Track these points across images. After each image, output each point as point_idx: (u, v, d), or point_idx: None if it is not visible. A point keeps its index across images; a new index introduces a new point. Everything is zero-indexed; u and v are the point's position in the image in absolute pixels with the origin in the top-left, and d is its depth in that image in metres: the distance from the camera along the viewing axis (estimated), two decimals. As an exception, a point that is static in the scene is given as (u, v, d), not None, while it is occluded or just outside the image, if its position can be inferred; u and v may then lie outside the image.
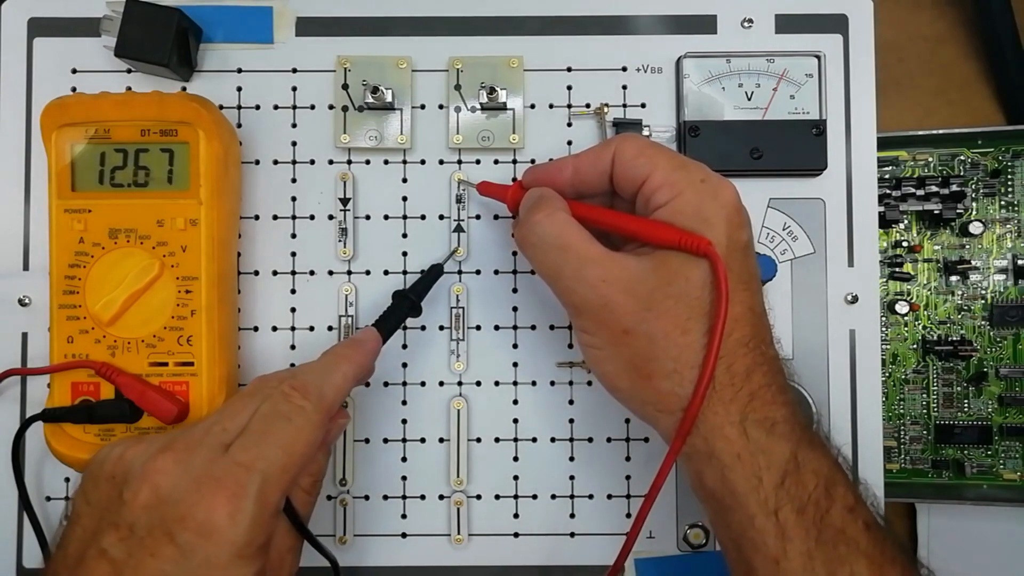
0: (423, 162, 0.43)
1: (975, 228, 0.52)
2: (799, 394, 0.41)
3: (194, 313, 0.38)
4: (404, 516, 0.42)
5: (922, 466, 0.54)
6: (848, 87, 0.43)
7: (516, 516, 0.42)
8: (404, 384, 0.43)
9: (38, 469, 0.42)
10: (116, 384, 0.38)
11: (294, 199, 0.43)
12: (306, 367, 0.35)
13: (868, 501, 0.33)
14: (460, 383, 0.43)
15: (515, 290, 0.43)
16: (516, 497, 0.42)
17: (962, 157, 0.54)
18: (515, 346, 0.43)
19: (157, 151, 0.38)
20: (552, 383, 0.43)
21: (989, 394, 0.53)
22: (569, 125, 0.43)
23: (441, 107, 0.43)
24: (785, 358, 0.39)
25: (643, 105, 0.43)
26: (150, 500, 0.29)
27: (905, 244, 0.53)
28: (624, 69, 0.43)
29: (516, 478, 0.43)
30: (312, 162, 0.43)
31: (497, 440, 0.43)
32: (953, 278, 0.53)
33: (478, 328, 0.43)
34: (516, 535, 0.42)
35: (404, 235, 0.43)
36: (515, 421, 0.43)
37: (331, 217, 0.43)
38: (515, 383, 0.43)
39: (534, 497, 0.42)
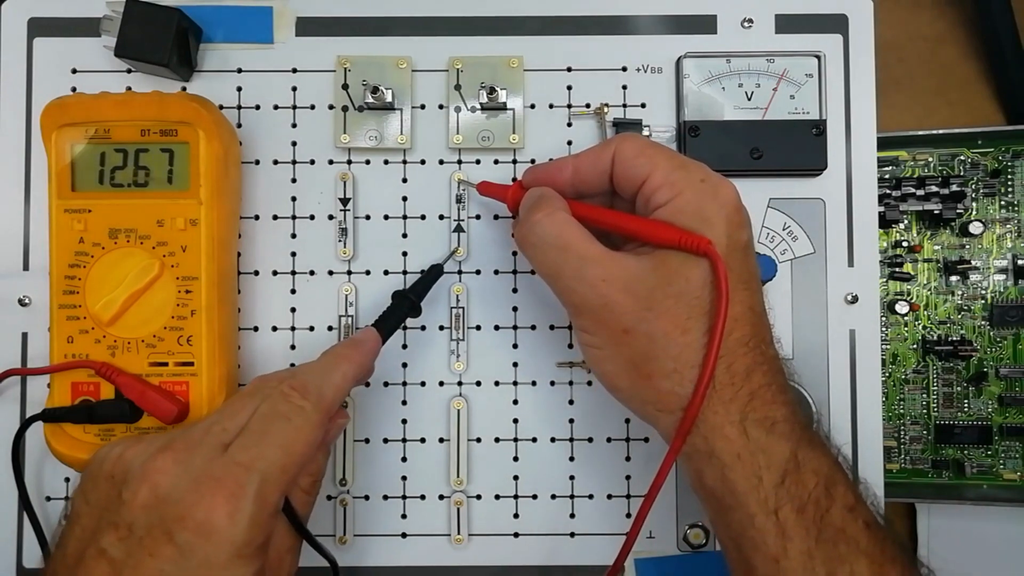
0: (423, 162, 0.43)
1: (975, 228, 0.52)
2: (799, 394, 0.41)
3: (194, 313, 0.38)
4: (404, 516, 0.42)
5: (922, 466, 0.53)
6: (848, 87, 0.43)
7: (516, 516, 0.42)
8: (404, 384, 0.43)
9: (38, 469, 0.42)
10: (116, 384, 0.38)
11: (294, 199, 0.43)
12: (306, 367, 0.35)
13: (868, 500, 0.33)
14: (460, 383, 0.43)
15: (515, 290, 0.43)
16: (516, 497, 0.42)
17: (962, 157, 0.54)
18: (515, 346, 0.43)
19: (157, 151, 0.38)
20: (552, 383, 0.43)
21: (989, 394, 0.53)
22: (569, 125, 0.43)
23: (441, 107, 0.43)
24: (785, 358, 0.39)
25: (643, 105, 0.43)
26: (149, 500, 0.29)
27: (905, 244, 0.53)
28: (624, 69, 0.43)
29: (516, 478, 0.43)
30: (312, 162, 0.43)
31: (497, 440, 0.43)
32: (953, 278, 0.53)
33: (478, 328, 0.43)
34: (516, 535, 0.42)
35: (404, 235, 0.43)
36: (515, 421, 0.43)
37: (331, 217, 0.43)
38: (515, 383, 0.43)
39: (534, 497, 0.42)
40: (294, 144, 0.43)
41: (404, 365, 0.43)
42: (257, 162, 0.43)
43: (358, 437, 0.42)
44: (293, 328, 0.43)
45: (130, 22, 0.40)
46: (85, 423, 0.38)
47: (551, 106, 0.43)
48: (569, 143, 0.43)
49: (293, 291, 0.43)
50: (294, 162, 0.43)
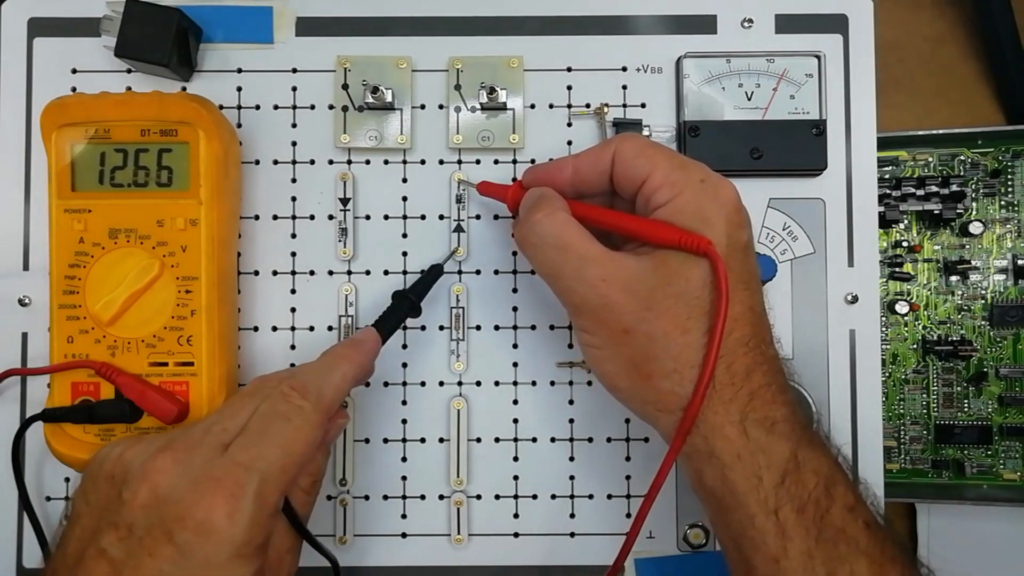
0: (423, 162, 0.43)
1: (975, 228, 0.52)
2: (799, 394, 0.41)
3: (194, 313, 0.38)
4: (404, 516, 0.42)
5: (922, 466, 0.54)
6: (848, 87, 0.43)
7: (516, 516, 0.42)
8: (404, 384, 0.43)
9: (38, 469, 0.42)
10: (116, 384, 0.38)
11: (294, 199, 0.43)
12: (305, 367, 0.35)
13: (868, 500, 0.33)
14: (460, 383, 0.43)
15: (515, 290, 0.43)
16: (516, 497, 0.42)
17: (962, 157, 0.54)
18: (515, 346, 0.43)
19: (157, 151, 0.38)
20: (552, 383, 0.43)
21: (989, 394, 0.53)
22: (569, 125, 0.43)
23: (441, 107, 0.43)
24: (785, 358, 0.39)
25: (643, 105, 0.43)
26: (149, 500, 0.29)
27: (905, 244, 0.53)
28: (624, 69, 0.43)
29: (516, 478, 0.43)
30: (312, 162, 0.43)
31: (497, 440, 0.43)
32: (953, 278, 0.53)
33: (478, 328, 0.43)
34: (516, 535, 0.42)
35: (404, 235, 0.43)
36: (515, 421, 0.43)
37: (331, 217, 0.43)
38: (515, 383, 0.43)
39: (534, 497, 0.42)
40: (294, 144, 0.43)
41: (404, 365, 0.43)
42: (257, 162, 0.43)
43: (358, 437, 0.42)
44: (293, 328, 0.43)
45: (130, 22, 0.40)
46: (85, 423, 0.38)
47: (551, 106, 0.43)
48: (569, 143, 0.43)
49: (293, 291, 0.43)
50: (294, 162, 0.43)
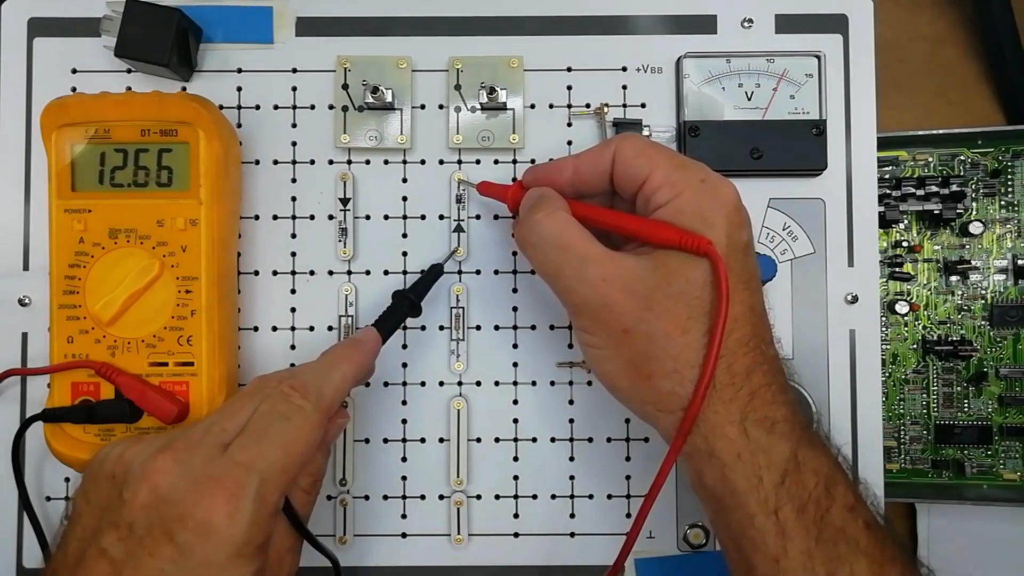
0: (423, 162, 0.43)
1: (975, 228, 0.52)
2: (799, 394, 0.41)
3: (194, 313, 0.38)
4: (404, 516, 0.42)
5: (922, 466, 0.53)
6: (848, 87, 0.43)
7: (516, 516, 0.42)
8: (404, 384, 0.43)
9: (38, 469, 0.42)
10: (116, 384, 0.38)
11: (294, 199, 0.43)
12: (305, 367, 0.35)
13: (868, 500, 0.33)
14: (460, 383, 0.43)
15: (515, 290, 0.43)
16: (516, 497, 0.42)
17: (962, 157, 0.54)
18: (515, 346, 0.43)
19: (157, 151, 0.38)
20: (552, 383, 0.43)
21: (989, 394, 0.53)
22: (569, 125, 0.43)
23: (441, 107, 0.43)
24: (785, 358, 0.39)
25: (643, 105, 0.43)
26: (149, 500, 0.29)
27: (905, 244, 0.53)
28: (624, 69, 0.43)
29: (516, 478, 0.43)
30: (312, 162, 0.43)
31: (497, 440, 0.43)
32: (953, 278, 0.53)
33: (478, 328, 0.43)
34: (516, 535, 0.42)
35: (404, 235, 0.43)
36: (515, 421, 0.43)
37: (331, 217, 0.43)
38: (515, 383, 0.43)
39: (534, 497, 0.42)
40: (294, 144, 0.43)
41: (404, 365, 0.43)
42: (257, 162, 0.43)
43: (358, 437, 0.42)
44: (293, 328, 0.43)
45: (130, 22, 0.40)
46: (85, 423, 0.38)
47: (551, 106, 0.43)
48: (569, 143, 0.43)
49: (293, 291, 0.43)
50: (294, 162, 0.43)
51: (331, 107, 0.43)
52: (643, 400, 0.34)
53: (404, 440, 0.43)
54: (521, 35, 0.43)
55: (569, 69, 0.43)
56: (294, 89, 0.43)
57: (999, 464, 0.53)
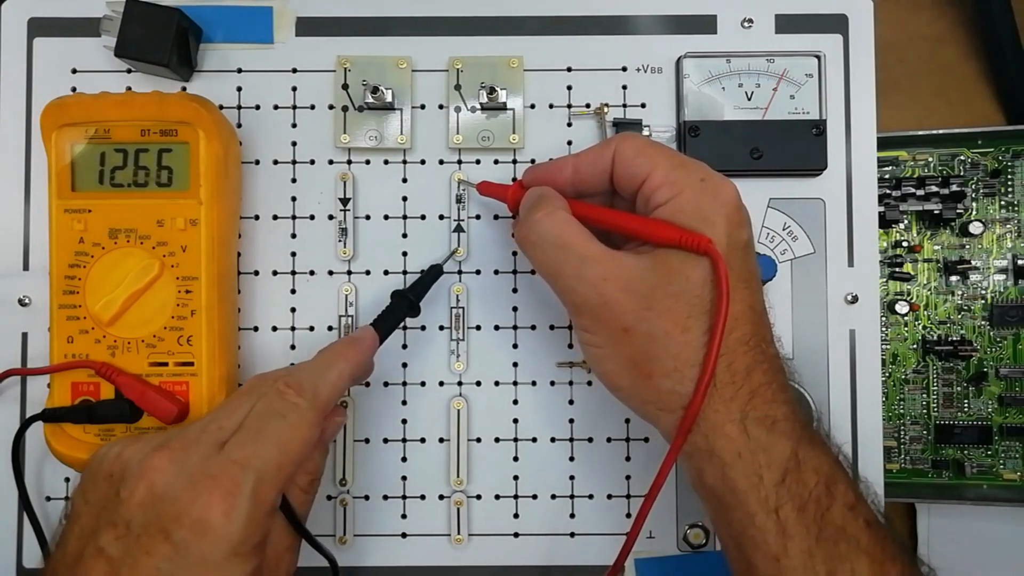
0: (423, 162, 0.43)
1: (975, 228, 0.52)
2: (799, 394, 0.41)
3: (194, 313, 0.38)
4: (404, 516, 0.42)
5: (922, 466, 0.53)
6: (848, 87, 0.43)
7: (516, 516, 0.42)
8: (404, 384, 0.43)
9: (38, 469, 0.42)
10: (116, 384, 0.38)
11: (294, 199, 0.43)
12: (302, 365, 0.35)
13: (869, 499, 0.33)
14: (460, 383, 0.43)
15: (515, 290, 0.43)
16: (516, 497, 0.42)
17: (962, 157, 0.54)
18: (515, 346, 0.43)
19: (157, 151, 0.38)
20: (552, 383, 0.43)
21: (989, 394, 0.53)
22: (569, 125, 0.43)
23: (441, 107, 0.43)
24: (785, 358, 0.39)
25: (643, 105, 0.43)
26: (146, 498, 0.29)
27: (905, 244, 0.53)
28: (624, 69, 0.43)
29: (516, 478, 0.43)
30: (312, 162, 0.43)
31: (497, 440, 0.43)
32: (953, 278, 0.53)
33: (478, 328, 0.43)
34: (516, 535, 0.42)
35: (404, 235, 0.43)
36: (515, 421, 0.43)
37: (331, 217, 0.43)
38: (515, 383, 0.43)
39: (534, 497, 0.42)
40: (294, 144, 0.43)
41: (404, 365, 0.43)
42: (257, 162, 0.43)
43: (358, 437, 0.42)
44: (293, 328, 0.43)
45: (130, 22, 0.40)
46: (85, 423, 0.38)
47: (551, 106, 0.43)
48: (569, 143, 0.43)
49: (293, 291, 0.43)
50: (294, 162, 0.43)
51: (331, 107, 0.43)
52: (643, 399, 0.34)
53: (404, 440, 0.43)
54: (521, 35, 0.43)
55: (569, 69, 0.43)
56: (294, 89, 0.43)
57: (999, 464, 0.53)
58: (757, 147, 0.42)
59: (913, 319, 0.53)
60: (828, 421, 0.42)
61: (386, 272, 0.43)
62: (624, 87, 0.43)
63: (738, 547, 0.32)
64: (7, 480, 0.40)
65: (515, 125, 0.43)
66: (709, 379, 0.31)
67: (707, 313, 0.32)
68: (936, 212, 0.52)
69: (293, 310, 0.43)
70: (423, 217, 0.43)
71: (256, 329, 0.43)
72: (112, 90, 0.41)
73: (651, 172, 0.33)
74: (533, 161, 0.43)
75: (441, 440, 0.43)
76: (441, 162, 0.43)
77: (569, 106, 0.43)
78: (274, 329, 0.43)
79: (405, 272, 0.43)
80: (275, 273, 0.43)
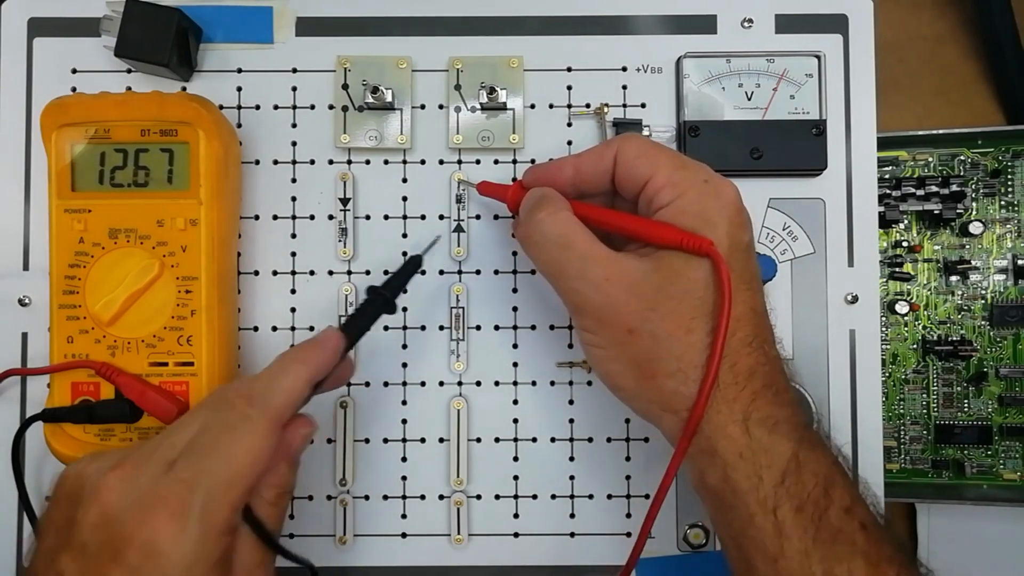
0: (423, 162, 0.43)
1: (975, 228, 0.52)
2: (799, 394, 0.41)
3: (194, 313, 0.38)
4: (404, 516, 0.42)
5: (922, 466, 0.54)
6: (848, 87, 0.43)
7: (516, 516, 0.42)
8: (404, 384, 0.43)
9: (38, 469, 0.42)
10: (116, 384, 0.38)
11: (294, 199, 0.43)
12: (259, 373, 0.33)
13: (868, 501, 0.33)
14: (460, 383, 0.43)
15: (515, 290, 0.43)
16: (516, 497, 0.42)
17: (962, 157, 0.54)
18: (515, 346, 0.43)
19: (157, 151, 0.38)
20: (552, 383, 0.43)
21: (989, 394, 0.53)
22: (569, 125, 0.43)
23: (441, 107, 0.43)
24: (785, 358, 0.39)
25: (643, 105, 0.43)
26: (99, 520, 0.29)
27: (905, 244, 0.53)
28: (624, 69, 0.43)
29: (516, 478, 0.43)
30: (312, 162, 0.43)
31: (497, 440, 0.43)
32: (953, 278, 0.53)
33: (478, 328, 0.43)
34: (516, 535, 0.42)
35: (404, 235, 0.43)
36: (515, 421, 0.43)
37: (331, 217, 0.43)
38: (515, 383, 0.43)
39: (534, 497, 0.42)
40: (294, 144, 0.43)
41: (404, 365, 0.43)
42: (257, 162, 0.43)
43: (358, 437, 0.42)
44: (293, 328, 0.43)
45: (130, 22, 0.40)
46: (85, 423, 0.38)
47: (551, 106, 0.43)
48: (569, 143, 0.43)
49: (293, 291, 0.43)
50: (294, 162, 0.43)
51: (331, 107, 0.43)
52: (647, 400, 0.34)
53: (404, 440, 0.43)
54: (521, 35, 0.43)
55: (569, 69, 0.43)
56: (294, 89, 0.43)
57: (999, 464, 0.53)
58: (757, 147, 0.42)
59: (913, 319, 0.53)
60: (828, 421, 0.42)
61: (386, 272, 0.43)
62: (624, 87, 0.43)
63: (738, 547, 0.32)
64: (7, 480, 0.40)
65: (515, 125, 0.43)
66: (713, 380, 0.31)
67: (710, 314, 0.32)
68: (936, 212, 0.52)
69: (293, 310, 0.43)
70: (423, 217, 0.43)
71: (256, 329, 0.43)
72: (112, 90, 0.41)
73: (653, 174, 0.33)
74: (533, 161, 0.43)
75: (441, 440, 0.43)
76: (441, 162, 0.43)
77: (569, 106, 0.43)
78: (274, 329, 0.43)
79: (405, 272, 0.43)
80: (275, 273, 0.43)
